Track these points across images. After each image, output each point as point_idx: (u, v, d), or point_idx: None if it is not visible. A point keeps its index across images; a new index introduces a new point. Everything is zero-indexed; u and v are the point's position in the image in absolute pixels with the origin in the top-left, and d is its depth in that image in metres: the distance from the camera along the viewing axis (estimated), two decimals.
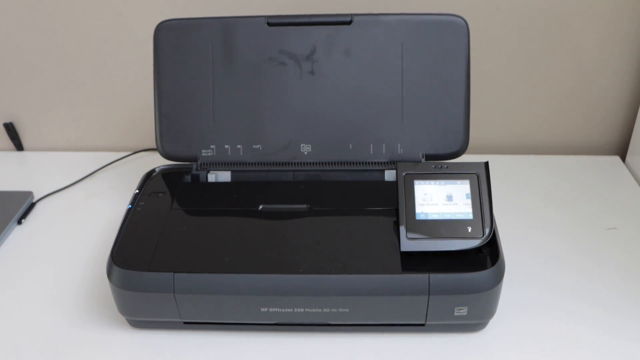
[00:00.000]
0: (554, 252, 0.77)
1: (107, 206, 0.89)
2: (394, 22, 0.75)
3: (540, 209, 0.86)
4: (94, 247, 0.81)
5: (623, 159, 0.98)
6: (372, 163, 0.77)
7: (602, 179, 0.93)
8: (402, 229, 0.64)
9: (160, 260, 0.63)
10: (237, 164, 0.77)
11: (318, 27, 0.76)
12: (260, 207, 0.71)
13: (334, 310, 0.62)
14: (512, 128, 1.00)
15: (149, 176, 0.79)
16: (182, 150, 0.78)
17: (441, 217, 0.64)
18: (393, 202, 0.68)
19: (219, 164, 0.78)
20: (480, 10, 0.89)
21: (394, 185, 0.68)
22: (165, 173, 0.80)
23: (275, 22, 0.76)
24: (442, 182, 0.66)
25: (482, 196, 0.65)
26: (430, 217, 0.64)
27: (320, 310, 0.62)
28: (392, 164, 0.76)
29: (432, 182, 0.66)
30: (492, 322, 0.66)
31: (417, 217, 0.64)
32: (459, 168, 0.67)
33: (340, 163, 0.77)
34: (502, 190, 0.83)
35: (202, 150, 0.78)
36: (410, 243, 0.63)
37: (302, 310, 0.62)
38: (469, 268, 0.61)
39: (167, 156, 0.79)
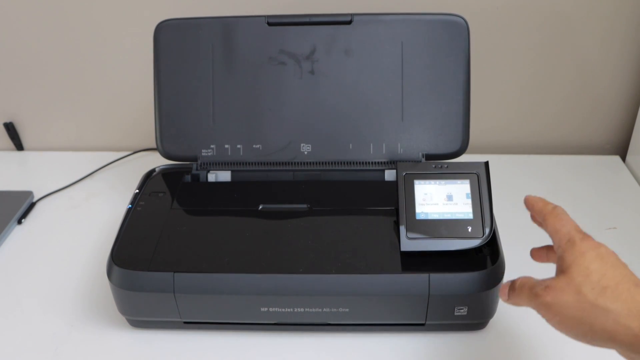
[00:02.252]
0: None
1: (107, 206, 0.89)
2: (394, 22, 0.75)
3: None
4: (94, 247, 0.81)
5: (623, 158, 0.98)
6: (372, 163, 0.77)
7: (602, 179, 0.93)
8: (402, 229, 0.63)
9: (160, 260, 0.63)
10: (237, 164, 0.77)
11: (318, 27, 0.76)
12: (260, 207, 0.71)
13: (334, 310, 0.62)
14: (512, 128, 1.00)
15: (149, 176, 0.79)
16: (182, 150, 0.78)
17: (441, 217, 0.64)
18: (393, 202, 0.68)
19: (219, 164, 0.78)
20: (481, 10, 0.89)
21: (394, 185, 0.68)
22: (165, 173, 0.80)
23: (275, 22, 0.76)
24: (442, 181, 0.66)
25: (482, 196, 0.65)
26: (430, 217, 0.64)
27: (320, 310, 0.62)
28: (392, 163, 0.76)
29: (432, 181, 0.66)
30: (492, 322, 0.66)
31: (417, 217, 0.64)
32: (459, 168, 0.67)
33: (340, 163, 0.77)
34: (502, 190, 0.83)
35: (202, 150, 0.78)
36: (410, 243, 0.63)
37: (302, 310, 0.62)
38: (469, 268, 0.61)
39: (167, 156, 0.79)
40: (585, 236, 0.51)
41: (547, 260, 0.58)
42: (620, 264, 0.49)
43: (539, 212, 0.56)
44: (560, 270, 0.50)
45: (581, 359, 0.63)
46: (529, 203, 0.57)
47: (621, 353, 0.46)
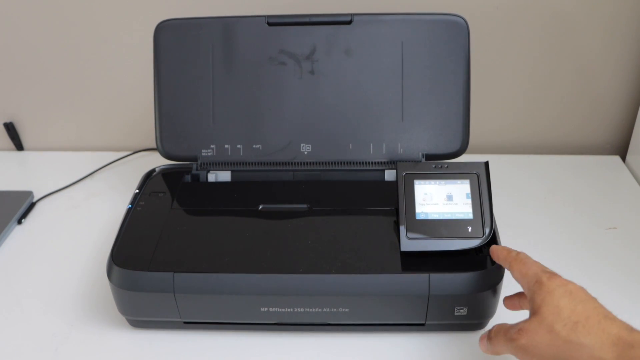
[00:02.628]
0: (554, 251, 0.77)
1: (107, 206, 0.89)
2: (394, 22, 0.75)
3: (540, 209, 0.86)
4: (94, 247, 0.81)
5: (623, 158, 0.98)
6: (372, 163, 0.77)
7: (602, 179, 0.93)
8: (402, 229, 0.63)
9: (160, 260, 0.63)
10: (237, 164, 0.77)
11: (318, 27, 0.76)
12: (260, 207, 0.71)
13: (334, 310, 0.62)
14: (512, 128, 1.00)
15: (149, 176, 0.79)
16: (182, 150, 0.78)
17: (441, 217, 0.64)
18: (393, 202, 0.68)
19: (219, 164, 0.78)
20: (480, 10, 0.89)
21: (394, 185, 0.68)
22: (165, 173, 0.80)
23: (275, 22, 0.76)
24: (442, 181, 0.66)
25: (482, 196, 0.65)
26: (430, 217, 0.64)
27: (320, 310, 0.62)
28: (392, 163, 0.76)
29: (432, 181, 0.66)
30: (492, 322, 0.66)
31: (417, 217, 0.64)
32: (459, 168, 0.67)
33: (340, 163, 0.77)
34: (502, 190, 0.83)
35: (202, 150, 0.78)
36: (410, 243, 0.63)
37: (302, 310, 0.62)
38: (469, 268, 0.61)
39: (167, 156, 0.79)
40: (552, 275, 0.52)
41: (520, 307, 0.60)
42: (589, 298, 0.50)
43: (504, 260, 0.57)
44: (532, 312, 0.51)
45: None
46: (494, 254, 0.59)
47: None
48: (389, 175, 0.76)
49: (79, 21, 0.93)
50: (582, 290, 0.51)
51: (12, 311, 0.71)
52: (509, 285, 0.63)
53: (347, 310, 0.62)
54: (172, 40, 0.77)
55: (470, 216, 0.64)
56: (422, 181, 0.66)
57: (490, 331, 0.55)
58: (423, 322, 0.64)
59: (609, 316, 0.48)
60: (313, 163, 0.77)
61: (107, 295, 0.69)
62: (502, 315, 0.66)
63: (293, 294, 0.61)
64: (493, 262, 0.62)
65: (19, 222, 0.86)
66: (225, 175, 0.78)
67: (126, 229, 0.69)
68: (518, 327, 0.51)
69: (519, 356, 0.51)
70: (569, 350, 0.47)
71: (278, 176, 0.77)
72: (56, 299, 0.72)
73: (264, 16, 0.76)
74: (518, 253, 0.56)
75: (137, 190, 0.76)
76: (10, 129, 1.04)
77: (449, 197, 0.65)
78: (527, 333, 0.49)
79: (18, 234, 0.84)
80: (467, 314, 0.62)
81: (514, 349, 0.51)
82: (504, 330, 0.52)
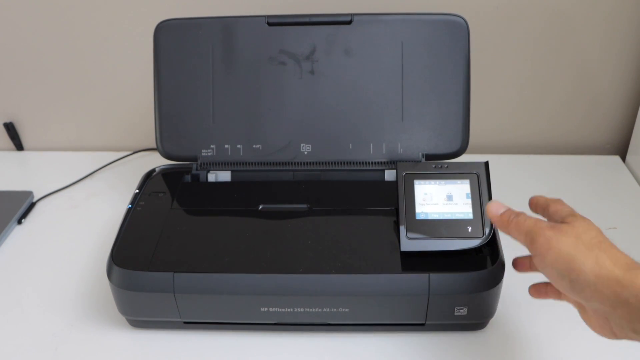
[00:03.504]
0: None
1: (107, 206, 0.89)
2: (394, 22, 0.75)
3: None
4: (94, 247, 0.81)
5: (623, 158, 0.98)
6: (372, 163, 0.77)
7: (602, 179, 0.93)
8: (402, 229, 0.63)
9: (160, 260, 0.63)
10: (237, 164, 0.77)
11: (318, 27, 0.76)
12: (260, 207, 0.71)
13: (334, 310, 0.62)
14: (512, 128, 1.00)
15: (149, 176, 0.79)
16: (182, 150, 0.78)
17: (441, 217, 0.64)
18: (393, 202, 0.68)
19: (219, 164, 0.78)
20: (481, 10, 0.89)
21: (394, 185, 0.68)
22: (165, 173, 0.80)
23: (275, 22, 0.76)
24: (442, 181, 0.66)
25: (482, 196, 0.65)
26: (430, 217, 0.64)
27: (320, 310, 0.62)
28: (392, 163, 0.76)
29: (432, 181, 0.66)
30: (492, 322, 0.66)
31: (417, 217, 0.64)
32: (459, 168, 0.67)
33: (340, 163, 0.77)
34: (502, 190, 0.83)
35: (202, 150, 0.78)
36: (410, 243, 0.63)
37: (302, 310, 0.62)
38: (469, 268, 0.61)
39: (167, 156, 0.79)
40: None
41: (546, 295, 0.59)
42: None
43: (544, 202, 0.59)
44: (562, 222, 0.53)
45: (581, 357, 0.63)
46: (533, 201, 0.60)
47: (599, 309, 0.49)
48: (389, 175, 0.76)
49: (79, 21, 0.93)
50: None
51: (12, 311, 0.71)
52: (509, 285, 0.63)
53: (347, 310, 0.62)
54: (172, 40, 0.77)
55: (470, 216, 0.64)
56: (422, 181, 0.66)
57: (519, 213, 0.55)
58: (423, 322, 0.64)
59: (627, 256, 0.50)
60: (313, 163, 0.77)
61: (107, 295, 0.69)
62: (502, 315, 0.67)
63: (293, 294, 0.61)
64: (493, 262, 0.62)
65: (19, 222, 0.86)
66: (225, 175, 0.78)
67: (126, 229, 0.69)
68: (551, 223, 0.52)
69: (536, 246, 0.51)
70: (586, 256, 0.49)
71: (278, 176, 0.77)
72: (56, 299, 0.72)
73: (264, 16, 0.76)
74: (558, 199, 0.59)
75: (137, 190, 0.76)
76: (10, 129, 1.04)
77: (449, 197, 0.65)
78: (556, 229, 0.51)
79: (18, 234, 0.84)
80: (467, 314, 0.62)
81: (537, 234, 0.51)
82: (536, 219, 0.53)
